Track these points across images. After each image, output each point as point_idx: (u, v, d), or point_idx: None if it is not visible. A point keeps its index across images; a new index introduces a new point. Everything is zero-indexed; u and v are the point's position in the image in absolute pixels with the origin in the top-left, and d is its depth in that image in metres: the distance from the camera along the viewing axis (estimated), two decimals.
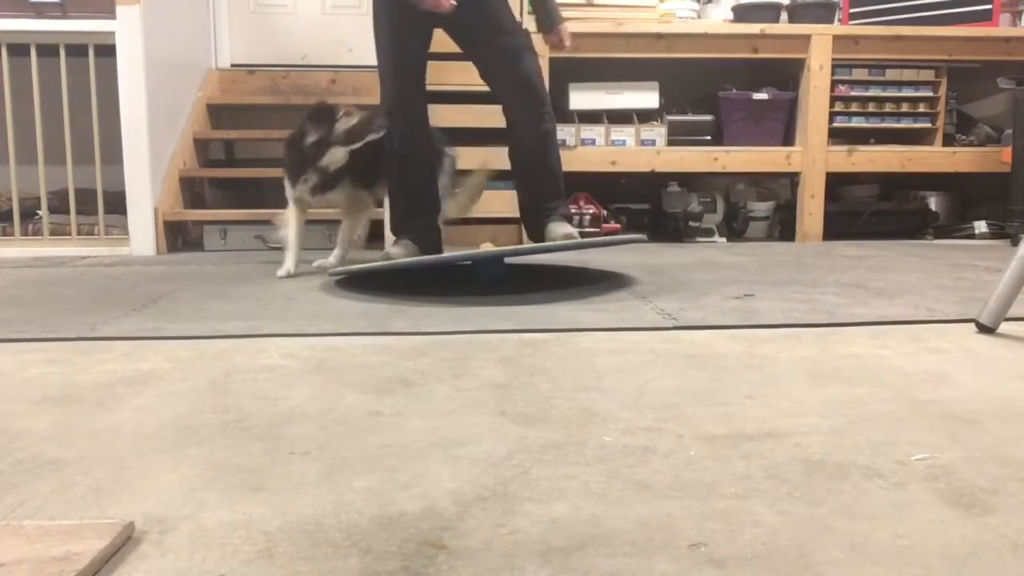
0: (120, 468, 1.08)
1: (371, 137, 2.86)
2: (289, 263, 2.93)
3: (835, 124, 4.19)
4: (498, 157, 3.22)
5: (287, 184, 2.99)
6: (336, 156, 2.88)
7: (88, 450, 1.15)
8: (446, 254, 2.93)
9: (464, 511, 0.94)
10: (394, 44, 2.91)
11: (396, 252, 2.93)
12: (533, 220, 3.00)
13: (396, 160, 2.98)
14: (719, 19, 4.34)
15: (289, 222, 3.00)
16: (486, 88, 3.04)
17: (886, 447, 1.14)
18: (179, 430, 1.23)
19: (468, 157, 3.78)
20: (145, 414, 1.32)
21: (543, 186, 2.97)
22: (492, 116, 3.10)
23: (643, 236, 2.75)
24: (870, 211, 4.31)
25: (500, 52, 2.91)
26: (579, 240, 2.78)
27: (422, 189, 3.03)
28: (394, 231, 3.07)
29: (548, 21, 3.04)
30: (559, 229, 2.86)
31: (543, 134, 2.94)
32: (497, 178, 3.35)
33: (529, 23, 3.25)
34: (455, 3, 2.70)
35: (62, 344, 1.83)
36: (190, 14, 4.34)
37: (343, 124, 2.87)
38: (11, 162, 3.75)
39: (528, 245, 2.75)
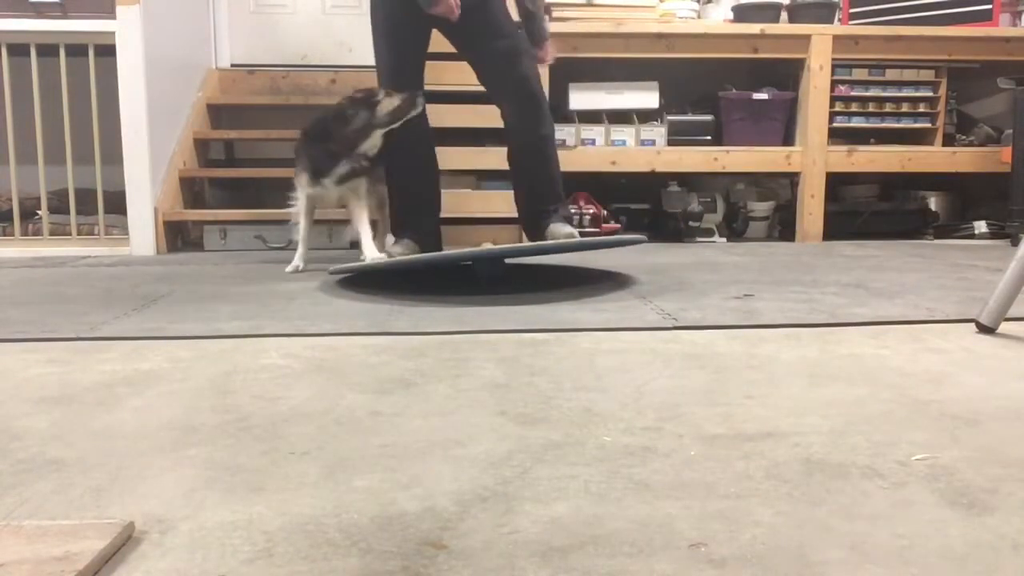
0: (120, 468, 1.08)
1: (412, 114, 2.84)
2: (298, 260, 2.99)
3: (835, 124, 4.19)
4: (498, 156, 3.22)
5: (304, 177, 2.96)
6: (376, 140, 2.87)
7: (88, 450, 1.15)
8: (447, 251, 2.94)
9: (464, 511, 0.94)
10: (393, 43, 2.91)
11: (397, 251, 2.94)
12: (532, 222, 3.00)
13: (394, 160, 2.98)
14: (719, 19, 4.33)
15: (303, 217, 3.02)
16: (484, 88, 3.04)
17: (886, 447, 1.14)
18: (179, 430, 1.23)
19: (468, 157, 3.79)
20: (145, 414, 1.32)
21: (542, 188, 2.97)
22: (492, 116, 3.09)
23: (643, 237, 2.75)
24: (870, 211, 4.30)
25: (498, 56, 2.90)
26: (580, 240, 2.78)
27: (421, 189, 3.03)
28: (394, 231, 3.08)
29: (534, 37, 3.03)
30: (560, 229, 2.86)
31: (541, 137, 2.94)
32: (497, 178, 3.35)
33: None
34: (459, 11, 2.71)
35: (62, 344, 1.83)
36: (190, 14, 4.34)
37: (386, 105, 2.84)
38: (11, 162, 3.75)
39: (528, 244, 2.75)
